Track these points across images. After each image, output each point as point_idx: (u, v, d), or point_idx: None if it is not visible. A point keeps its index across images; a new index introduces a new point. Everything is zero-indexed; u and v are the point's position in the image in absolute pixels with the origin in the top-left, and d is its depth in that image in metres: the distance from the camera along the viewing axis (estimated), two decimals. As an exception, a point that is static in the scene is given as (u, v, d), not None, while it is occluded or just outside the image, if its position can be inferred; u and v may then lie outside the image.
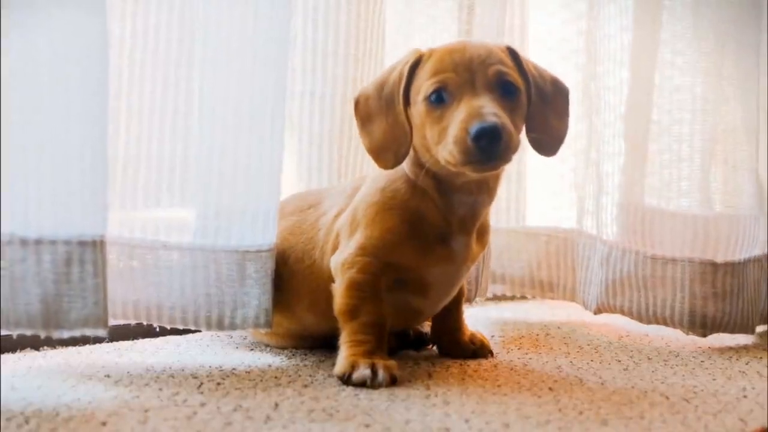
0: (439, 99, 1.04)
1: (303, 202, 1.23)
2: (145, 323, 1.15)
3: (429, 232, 1.10)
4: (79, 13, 0.98)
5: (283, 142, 1.16)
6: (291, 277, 1.17)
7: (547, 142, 1.12)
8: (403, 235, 1.09)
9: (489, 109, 1.00)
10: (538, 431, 0.88)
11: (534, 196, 1.63)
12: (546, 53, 1.60)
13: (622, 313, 1.43)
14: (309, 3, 1.32)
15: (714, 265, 1.37)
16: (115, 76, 1.12)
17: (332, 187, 1.27)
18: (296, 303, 1.17)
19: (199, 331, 1.25)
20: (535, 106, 1.09)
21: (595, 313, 1.46)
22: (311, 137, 1.35)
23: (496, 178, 1.12)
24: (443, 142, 1.02)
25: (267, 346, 1.27)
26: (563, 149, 1.55)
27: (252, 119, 1.13)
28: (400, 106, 1.08)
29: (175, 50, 1.14)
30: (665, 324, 1.39)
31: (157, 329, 1.20)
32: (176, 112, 1.14)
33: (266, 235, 1.14)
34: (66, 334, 0.98)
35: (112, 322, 1.19)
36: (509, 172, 1.57)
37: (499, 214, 1.57)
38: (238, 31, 1.12)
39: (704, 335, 1.38)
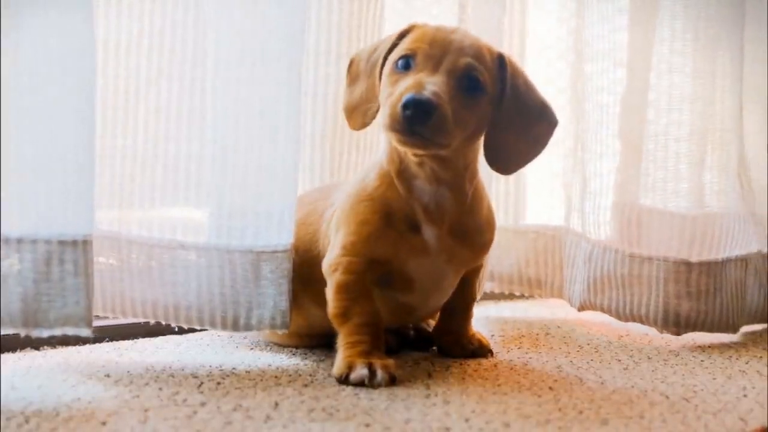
0: (405, 66, 1.05)
1: (320, 194, 1.24)
2: (163, 323, 1.15)
3: (399, 220, 1.10)
4: (64, 13, 0.98)
5: (298, 141, 1.16)
6: (301, 266, 1.17)
7: (502, 159, 1.11)
8: (377, 226, 1.09)
9: (431, 87, 1.00)
10: (538, 431, 0.88)
11: (530, 194, 1.64)
12: (545, 51, 1.60)
13: (602, 310, 1.44)
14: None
15: (688, 265, 1.38)
16: (134, 76, 1.13)
17: (346, 181, 1.28)
18: (303, 293, 1.17)
19: (199, 330, 1.25)
20: (504, 118, 1.08)
21: (579, 311, 1.47)
22: (303, 136, 1.35)
23: (456, 175, 1.10)
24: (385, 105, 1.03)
25: (270, 344, 1.26)
26: (557, 146, 1.57)
27: (265, 118, 1.13)
28: (378, 70, 1.09)
29: (190, 50, 1.14)
30: (641, 322, 1.40)
31: (176, 328, 1.20)
32: (192, 111, 1.14)
33: (281, 236, 1.14)
34: (46, 333, 0.98)
35: (130, 320, 1.21)
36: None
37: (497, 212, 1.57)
38: (251, 31, 1.12)
39: (678, 334, 1.39)
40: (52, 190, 0.98)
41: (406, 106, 0.98)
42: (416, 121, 0.98)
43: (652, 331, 1.44)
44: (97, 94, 1.03)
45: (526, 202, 1.62)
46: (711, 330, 1.39)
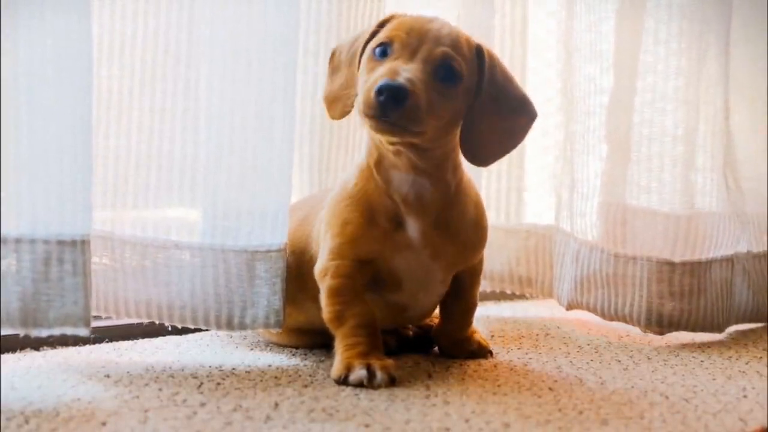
0: (382, 53, 1.05)
1: (320, 196, 1.24)
2: (156, 322, 1.16)
3: (382, 217, 1.09)
4: (61, 14, 0.98)
5: (293, 141, 1.16)
6: (298, 268, 1.17)
7: (477, 150, 1.10)
8: (359, 224, 1.09)
9: (405, 74, 1.00)
10: (538, 431, 0.88)
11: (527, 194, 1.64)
12: (545, 53, 1.60)
13: (588, 309, 1.45)
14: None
15: (671, 265, 1.38)
16: (127, 77, 1.13)
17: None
18: (302, 293, 1.18)
19: (200, 330, 1.25)
20: (480, 109, 1.08)
21: (567, 309, 1.48)
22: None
23: (435, 165, 1.09)
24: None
25: (270, 344, 1.26)
26: (553, 148, 1.57)
27: (259, 119, 1.13)
28: (357, 59, 1.09)
29: (184, 50, 1.14)
30: (625, 321, 1.41)
31: (175, 328, 1.20)
32: (186, 112, 1.14)
33: (275, 235, 1.15)
34: (44, 333, 0.98)
35: (129, 320, 1.21)
36: (502, 169, 1.57)
37: (489, 211, 1.56)
38: (245, 31, 1.12)
39: (661, 333, 1.40)
40: (50, 190, 0.98)
41: (380, 91, 0.98)
42: (389, 106, 0.98)
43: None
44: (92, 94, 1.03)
45: (524, 201, 1.62)
46: (695, 329, 1.40)
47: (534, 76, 1.59)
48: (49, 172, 0.98)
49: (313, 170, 1.37)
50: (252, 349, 1.24)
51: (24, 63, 0.96)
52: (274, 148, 1.14)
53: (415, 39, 1.04)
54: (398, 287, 1.13)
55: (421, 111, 1.00)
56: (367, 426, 0.88)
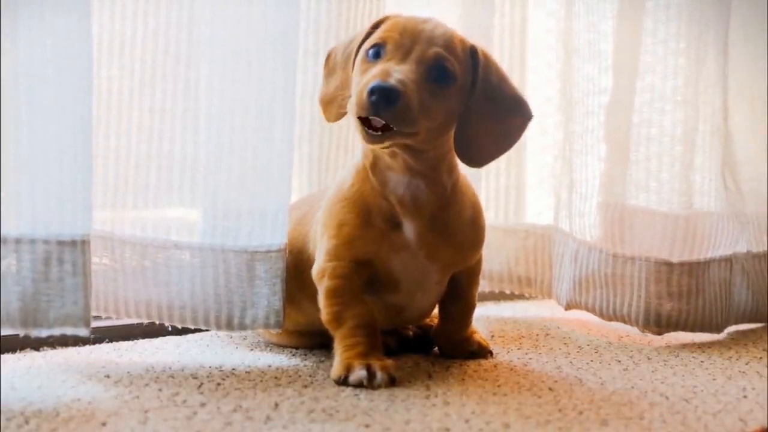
0: (376, 55, 1.05)
1: (319, 195, 1.24)
2: (156, 322, 1.16)
3: (379, 218, 1.09)
4: (61, 14, 0.98)
5: (293, 142, 1.16)
6: (296, 267, 1.18)
7: (471, 151, 1.10)
8: (355, 225, 1.09)
9: (397, 75, 1.00)
10: (538, 431, 0.88)
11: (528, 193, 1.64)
12: (545, 52, 1.60)
13: (587, 309, 1.45)
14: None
15: (669, 265, 1.39)
16: (127, 77, 1.13)
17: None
18: (301, 293, 1.18)
19: (200, 330, 1.25)
20: (474, 109, 1.07)
21: (566, 309, 1.48)
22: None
23: (431, 166, 1.09)
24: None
25: (270, 344, 1.26)
26: (552, 147, 1.57)
27: (259, 119, 1.13)
28: (352, 61, 1.09)
29: (184, 50, 1.14)
30: (623, 321, 1.42)
31: (175, 329, 1.20)
32: (186, 112, 1.15)
33: (275, 236, 1.15)
34: (44, 333, 0.98)
35: (129, 320, 1.21)
36: (501, 168, 1.58)
37: (487, 210, 1.57)
38: (245, 31, 1.12)
39: (659, 333, 1.40)
40: (50, 190, 0.99)
41: (372, 92, 0.98)
42: (381, 106, 0.98)
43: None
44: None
45: (523, 201, 1.62)
46: (693, 330, 1.41)
47: (533, 76, 1.59)
48: (49, 172, 0.98)
49: (313, 170, 1.37)
50: (252, 350, 1.24)
51: (24, 63, 0.96)
52: (274, 148, 1.14)
53: (408, 40, 1.04)
54: (395, 288, 1.13)
55: (413, 111, 1.00)
56: (367, 426, 0.88)
